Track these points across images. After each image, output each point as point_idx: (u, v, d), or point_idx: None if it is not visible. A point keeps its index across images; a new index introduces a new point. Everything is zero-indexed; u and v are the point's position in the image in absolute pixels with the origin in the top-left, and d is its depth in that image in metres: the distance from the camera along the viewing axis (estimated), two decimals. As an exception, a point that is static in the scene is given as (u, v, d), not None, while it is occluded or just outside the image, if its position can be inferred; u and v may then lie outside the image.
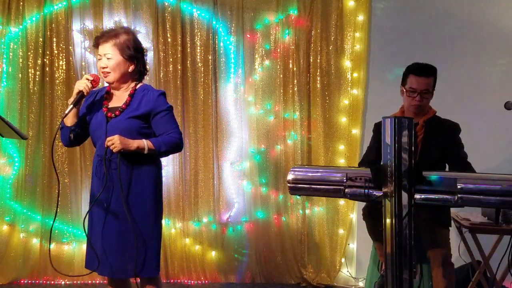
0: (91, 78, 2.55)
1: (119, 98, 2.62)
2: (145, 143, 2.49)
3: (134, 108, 2.56)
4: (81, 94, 2.51)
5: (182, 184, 4.27)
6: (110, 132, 2.50)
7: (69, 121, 2.58)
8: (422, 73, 2.96)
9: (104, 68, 2.55)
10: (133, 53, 2.58)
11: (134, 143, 2.47)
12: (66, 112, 2.52)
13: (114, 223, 2.53)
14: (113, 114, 2.56)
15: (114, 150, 2.44)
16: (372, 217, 2.96)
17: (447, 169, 3.01)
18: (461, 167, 2.83)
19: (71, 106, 2.51)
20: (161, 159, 2.71)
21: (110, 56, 2.54)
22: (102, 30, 4.03)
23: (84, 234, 2.64)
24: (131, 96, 2.59)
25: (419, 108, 2.98)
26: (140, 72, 2.66)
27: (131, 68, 2.59)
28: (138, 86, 2.64)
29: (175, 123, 2.64)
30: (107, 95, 2.66)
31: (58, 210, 4.10)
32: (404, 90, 3.03)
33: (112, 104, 2.61)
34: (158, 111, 2.57)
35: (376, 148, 2.99)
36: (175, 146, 2.59)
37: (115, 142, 2.42)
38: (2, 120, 2.47)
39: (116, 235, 2.53)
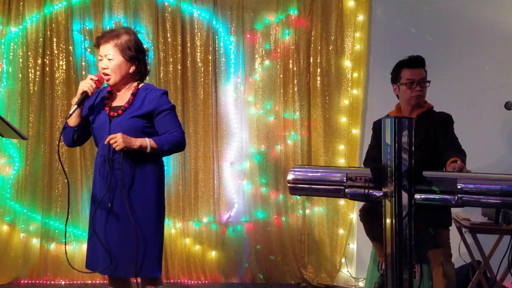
0: (96, 78, 2.54)
1: (121, 98, 2.61)
2: (147, 142, 2.49)
3: (137, 107, 2.55)
4: (85, 94, 2.51)
5: (182, 184, 4.27)
6: (113, 131, 2.50)
7: (73, 121, 2.58)
8: (416, 65, 3.04)
9: (104, 69, 2.54)
10: (134, 54, 2.57)
11: (137, 142, 2.47)
12: (70, 112, 2.52)
13: (117, 223, 2.53)
14: (115, 114, 2.56)
15: (116, 149, 2.44)
16: (370, 218, 2.97)
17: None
18: (455, 151, 2.79)
19: (75, 106, 2.50)
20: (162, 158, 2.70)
21: (111, 57, 2.53)
22: (102, 30, 4.04)
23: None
24: (134, 95, 2.59)
25: (420, 98, 3.03)
26: (141, 72, 2.66)
27: (132, 69, 2.59)
28: (140, 85, 2.64)
29: (178, 122, 2.64)
30: (109, 94, 2.65)
31: (58, 210, 4.17)
32: (400, 85, 3.06)
33: (114, 103, 2.61)
34: (161, 110, 2.57)
35: (377, 146, 3.00)
36: (178, 145, 2.59)
37: (117, 140, 2.42)
38: (2, 120, 2.46)
39: (119, 234, 2.53)
